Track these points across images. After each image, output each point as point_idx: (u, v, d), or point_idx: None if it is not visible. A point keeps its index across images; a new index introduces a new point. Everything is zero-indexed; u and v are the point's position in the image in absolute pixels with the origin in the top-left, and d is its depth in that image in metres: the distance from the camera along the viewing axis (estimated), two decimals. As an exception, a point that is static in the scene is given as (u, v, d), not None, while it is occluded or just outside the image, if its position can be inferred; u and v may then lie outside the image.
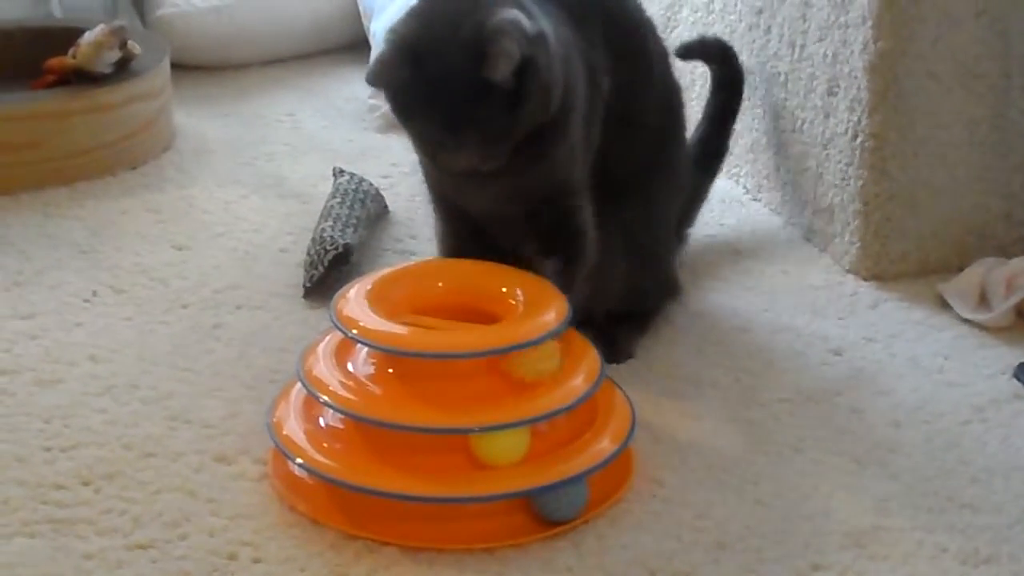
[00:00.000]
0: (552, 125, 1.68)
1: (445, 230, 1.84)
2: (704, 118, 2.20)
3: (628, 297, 1.88)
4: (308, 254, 2.07)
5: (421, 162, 1.79)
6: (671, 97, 1.94)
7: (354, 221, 2.13)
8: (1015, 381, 1.83)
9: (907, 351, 1.91)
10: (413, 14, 1.66)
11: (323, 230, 2.09)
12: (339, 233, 2.08)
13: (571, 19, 1.76)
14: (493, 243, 1.77)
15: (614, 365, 1.82)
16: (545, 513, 1.52)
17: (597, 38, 1.79)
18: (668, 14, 2.54)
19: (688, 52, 2.22)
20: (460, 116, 1.61)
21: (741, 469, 1.65)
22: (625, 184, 1.83)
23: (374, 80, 1.66)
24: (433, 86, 1.61)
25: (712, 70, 2.22)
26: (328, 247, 2.04)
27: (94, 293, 2.04)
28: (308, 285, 2.03)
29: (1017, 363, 1.86)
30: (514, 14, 1.61)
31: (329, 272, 2.03)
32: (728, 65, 2.20)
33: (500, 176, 1.69)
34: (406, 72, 1.62)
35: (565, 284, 1.69)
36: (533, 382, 1.54)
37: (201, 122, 2.70)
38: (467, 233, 1.80)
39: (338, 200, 2.19)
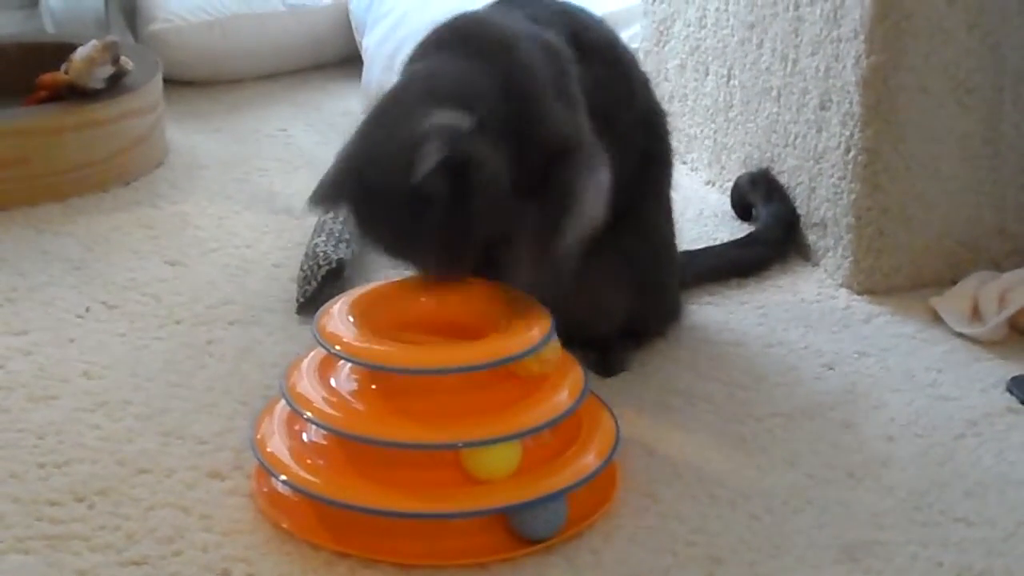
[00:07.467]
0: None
1: None
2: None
3: (630, 320, 1.88)
4: (301, 269, 2.07)
5: None
6: (656, 121, 1.91)
7: (347, 236, 2.13)
8: (1009, 395, 1.84)
9: (900, 365, 1.91)
10: (357, 133, 1.64)
11: (316, 245, 2.09)
12: (332, 248, 2.07)
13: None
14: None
15: (608, 379, 1.82)
16: (521, 531, 1.51)
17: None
18: (661, 28, 2.54)
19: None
20: (407, 230, 1.59)
21: (735, 483, 1.65)
22: (617, 210, 1.81)
23: (315, 201, 1.63)
24: (378, 202, 1.59)
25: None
26: (322, 262, 2.04)
27: (87, 309, 2.04)
28: (301, 300, 2.03)
29: (1010, 377, 1.86)
30: (444, 116, 1.56)
31: (323, 287, 2.03)
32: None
33: None
34: (351, 191, 1.61)
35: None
36: (539, 375, 1.56)
37: (194, 137, 2.70)
38: None
39: (331, 215, 2.19)
